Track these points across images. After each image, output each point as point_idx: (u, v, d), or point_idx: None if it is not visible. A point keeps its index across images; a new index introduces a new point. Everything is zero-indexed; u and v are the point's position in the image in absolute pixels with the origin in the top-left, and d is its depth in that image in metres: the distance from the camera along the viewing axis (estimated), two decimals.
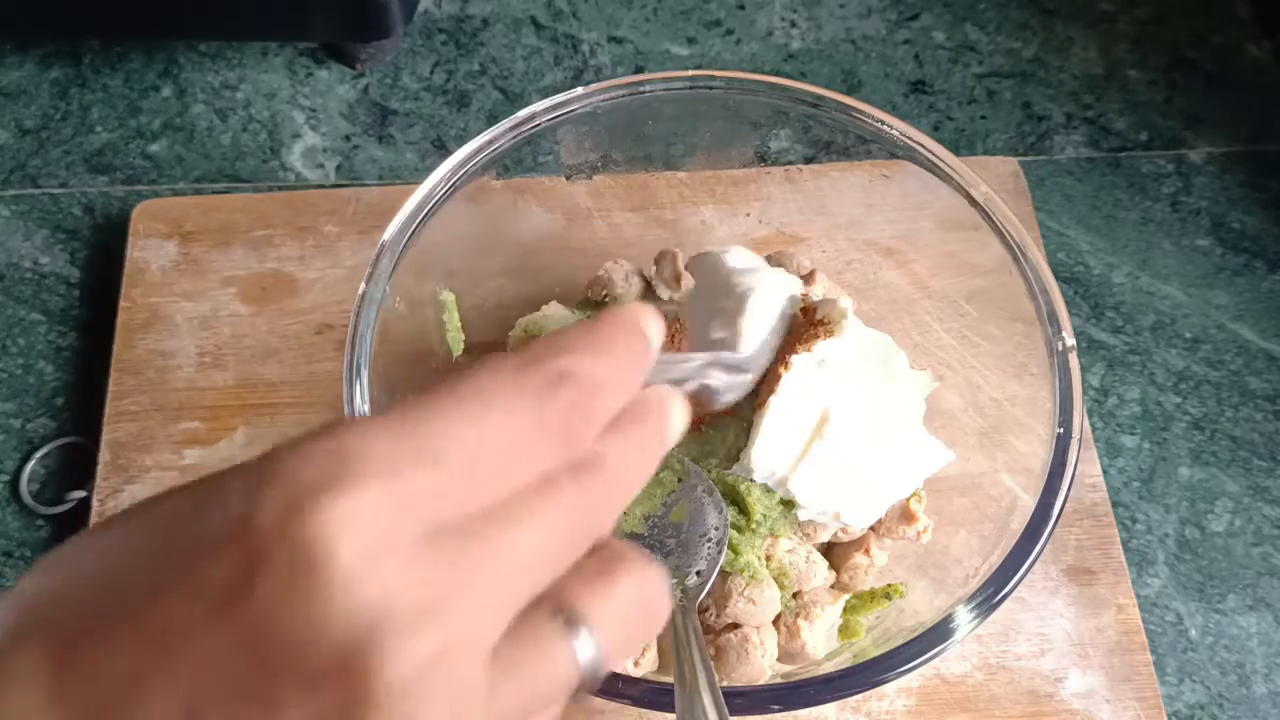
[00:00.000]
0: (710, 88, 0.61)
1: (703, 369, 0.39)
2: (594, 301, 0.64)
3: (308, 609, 0.23)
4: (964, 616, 0.49)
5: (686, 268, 0.63)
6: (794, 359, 0.55)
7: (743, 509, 0.53)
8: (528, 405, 0.27)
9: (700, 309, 0.58)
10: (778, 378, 0.54)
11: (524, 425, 0.27)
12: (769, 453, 0.53)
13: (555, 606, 0.27)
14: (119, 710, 0.24)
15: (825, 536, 0.56)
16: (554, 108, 0.61)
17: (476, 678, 0.25)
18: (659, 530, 0.53)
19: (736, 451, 0.56)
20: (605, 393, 0.28)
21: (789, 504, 0.54)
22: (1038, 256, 0.57)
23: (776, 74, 0.69)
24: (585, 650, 0.27)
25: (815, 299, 0.59)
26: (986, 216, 0.58)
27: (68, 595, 0.26)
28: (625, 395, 0.29)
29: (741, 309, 0.55)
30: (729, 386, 0.41)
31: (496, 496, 0.26)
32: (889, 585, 0.57)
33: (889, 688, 0.59)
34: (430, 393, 0.27)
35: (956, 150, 0.74)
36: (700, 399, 0.40)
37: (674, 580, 0.51)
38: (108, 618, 0.25)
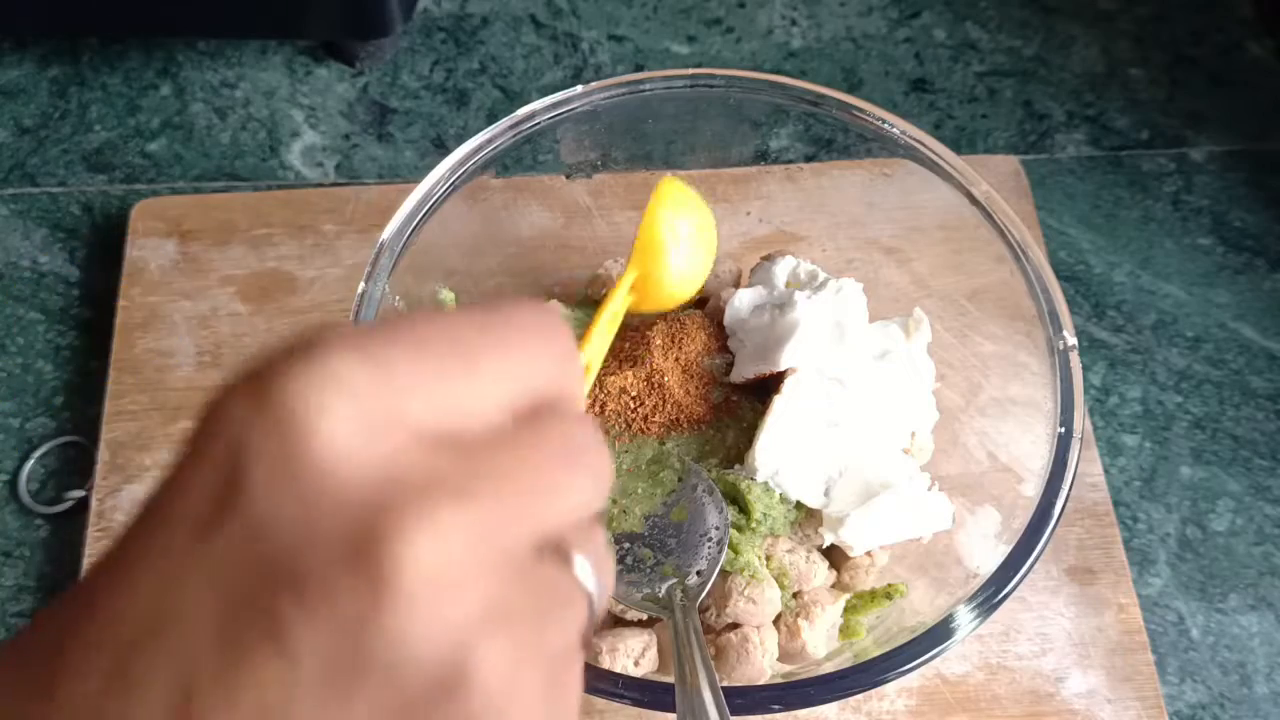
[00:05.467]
0: (710, 86, 0.61)
1: None
2: (594, 300, 0.64)
3: (298, 497, 0.19)
4: (965, 616, 0.49)
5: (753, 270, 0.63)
6: (801, 368, 0.55)
7: (743, 508, 0.53)
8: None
9: (749, 325, 0.58)
10: (782, 379, 0.54)
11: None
12: (771, 452, 0.53)
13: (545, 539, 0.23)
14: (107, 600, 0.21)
15: (827, 540, 0.56)
16: (554, 106, 0.60)
17: (522, 576, 0.21)
18: (659, 530, 0.53)
19: (737, 451, 0.55)
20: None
21: (800, 507, 0.55)
22: (1039, 255, 0.57)
23: (777, 72, 0.68)
24: (588, 581, 0.24)
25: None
26: (987, 215, 0.58)
27: None
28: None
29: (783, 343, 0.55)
30: None
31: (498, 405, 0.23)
32: (890, 585, 0.56)
33: (890, 688, 0.59)
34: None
35: (957, 149, 0.73)
36: None
37: (674, 580, 0.51)
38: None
